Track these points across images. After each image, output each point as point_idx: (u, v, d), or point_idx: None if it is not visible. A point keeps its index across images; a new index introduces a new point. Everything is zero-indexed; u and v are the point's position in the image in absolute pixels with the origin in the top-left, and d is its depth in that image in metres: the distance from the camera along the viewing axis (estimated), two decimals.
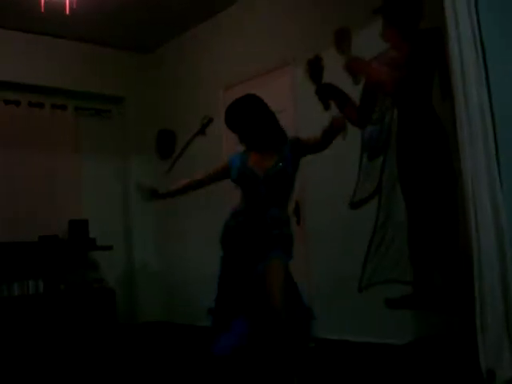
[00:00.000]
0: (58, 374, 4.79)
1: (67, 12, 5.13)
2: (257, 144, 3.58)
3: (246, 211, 3.55)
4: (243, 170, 3.56)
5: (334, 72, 5.13)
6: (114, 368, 4.95)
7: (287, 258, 3.51)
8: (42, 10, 5.08)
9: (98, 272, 6.87)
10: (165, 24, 6.63)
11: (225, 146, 6.00)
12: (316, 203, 5.25)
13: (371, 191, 4.82)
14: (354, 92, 4.97)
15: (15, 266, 6.23)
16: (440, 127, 4.35)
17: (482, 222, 3.40)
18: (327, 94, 5.19)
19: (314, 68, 5.32)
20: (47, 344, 5.79)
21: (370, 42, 4.84)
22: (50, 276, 6.41)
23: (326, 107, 5.18)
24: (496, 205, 3.38)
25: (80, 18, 5.94)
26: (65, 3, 5.11)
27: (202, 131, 6.55)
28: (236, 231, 3.55)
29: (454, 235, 4.22)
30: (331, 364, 4.63)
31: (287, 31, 5.59)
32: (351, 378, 4.12)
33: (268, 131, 3.57)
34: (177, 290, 6.93)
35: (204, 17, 6.48)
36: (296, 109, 5.46)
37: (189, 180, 3.92)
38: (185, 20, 6.55)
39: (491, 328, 3.34)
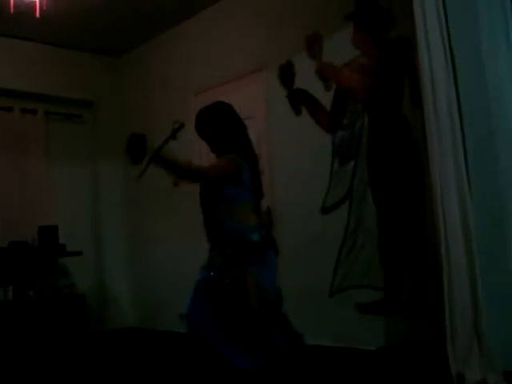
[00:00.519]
0: (27, 382, 4.73)
1: (37, 14, 5.08)
2: (222, 153, 3.50)
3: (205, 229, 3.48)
4: None
5: (306, 77, 5.15)
6: (83, 375, 4.90)
7: (254, 269, 3.33)
8: (12, 11, 5.02)
9: (68, 278, 6.79)
10: (136, 28, 6.59)
11: (197, 151, 5.97)
12: (287, 208, 5.26)
13: (342, 196, 4.85)
14: (325, 97, 5.00)
15: None
16: (409, 133, 4.39)
17: (450, 228, 3.44)
18: (298, 99, 5.21)
19: (286, 73, 5.34)
20: (17, 351, 5.71)
21: (341, 48, 4.88)
22: (20, 282, 6.32)
23: (298, 112, 5.20)
24: (465, 211, 3.42)
25: (50, 21, 5.88)
26: (35, 5, 5.06)
27: (173, 136, 6.47)
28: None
29: (424, 241, 4.26)
30: (301, 369, 4.63)
31: (259, 36, 5.60)
32: (317, 382, 4.12)
33: (232, 140, 3.50)
34: (148, 296, 6.89)
35: (175, 21, 6.45)
36: (267, 114, 5.47)
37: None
38: (156, 24, 6.53)
39: (461, 337, 3.38)
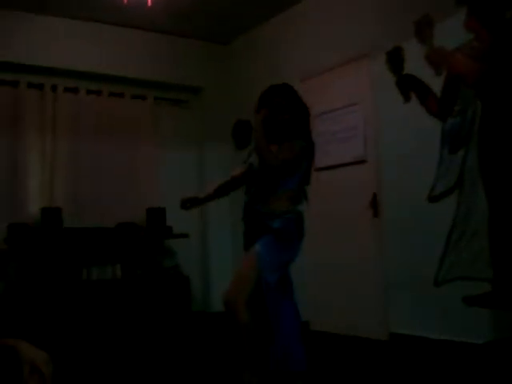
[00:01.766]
0: (132, 357, 4.91)
1: (149, 4, 5.24)
2: (285, 140, 3.39)
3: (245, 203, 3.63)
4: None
5: (415, 63, 5.02)
6: (185, 354, 5.04)
7: (267, 253, 3.40)
8: (125, 1, 5.22)
9: (173, 259, 7.00)
10: (242, 15, 6.67)
11: None
12: (393, 195, 5.18)
13: (451, 185, 4.70)
14: (436, 83, 4.85)
15: (95, 250, 6.43)
16: None
17: None
18: (408, 85, 5.08)
19: (394, 59, 5.23)
20: (123, 327, 5.95)
21: (452, 31, 4.71)
22: (128, 262, 6.58)
23: (407, 99, 5.08)
24: None
25: (160, 10, 6.04)
26: None
27: None
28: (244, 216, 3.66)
29: None
30: (403, 360, 4.56)
31: (365, 21, 5.51)
32: (424, 375, 4.05)
33: (302, 125, 3.42)
34: None
35: (281, 8, 6.48)
36: (374, 101, 5.39)
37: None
38: (262, 11, 6.57)
39: None
